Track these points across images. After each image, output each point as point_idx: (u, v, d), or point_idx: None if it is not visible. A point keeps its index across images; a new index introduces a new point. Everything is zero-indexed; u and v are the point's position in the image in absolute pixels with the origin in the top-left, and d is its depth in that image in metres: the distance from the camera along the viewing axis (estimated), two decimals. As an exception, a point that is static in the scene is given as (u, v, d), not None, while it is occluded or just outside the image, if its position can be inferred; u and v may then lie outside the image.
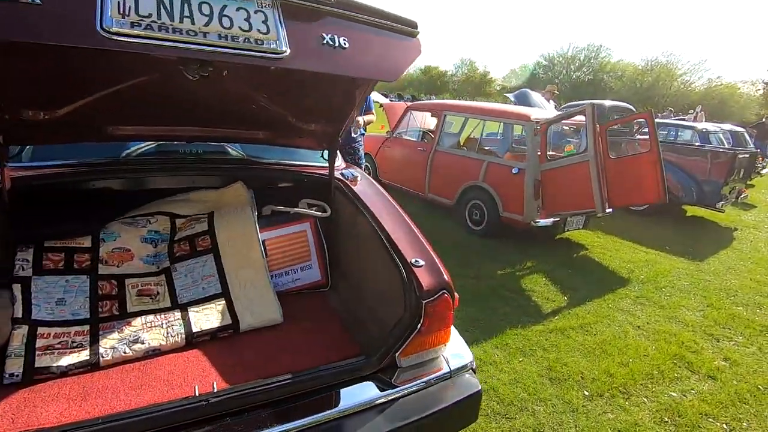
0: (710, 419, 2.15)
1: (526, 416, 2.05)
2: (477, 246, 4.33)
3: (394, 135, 5.98)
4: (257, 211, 1.95)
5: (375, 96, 27.44)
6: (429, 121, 5.98)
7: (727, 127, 10.21)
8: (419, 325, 1.33)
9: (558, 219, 4.23)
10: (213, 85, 1.34)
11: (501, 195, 4.37)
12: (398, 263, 1.44)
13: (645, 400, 2.24)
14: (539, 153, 4.12)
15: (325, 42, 1.06)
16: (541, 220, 4.14)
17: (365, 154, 6.60)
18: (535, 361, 2.48)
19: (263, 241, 1.80)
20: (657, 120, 10.20)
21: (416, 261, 1.43)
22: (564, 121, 4.64)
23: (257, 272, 1.68)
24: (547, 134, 5.44)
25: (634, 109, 7.06)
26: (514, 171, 4.26)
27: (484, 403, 2.09)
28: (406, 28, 1.20)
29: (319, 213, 1.94)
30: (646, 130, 8.97)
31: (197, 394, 1.15)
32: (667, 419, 2.12)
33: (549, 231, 4.42)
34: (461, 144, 5.47)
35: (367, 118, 4.01)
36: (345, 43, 1.08)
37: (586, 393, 2.25)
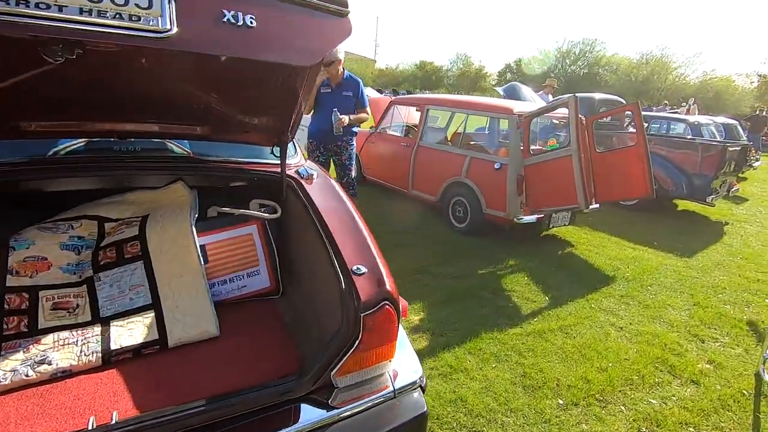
0: (691, 428, 2.03)
1: (494, 429, 1.92)
2: (460, 244, 4.20)
3: (378, 131, 5.83)
4: (203, 213, 1.80)
5: (368, 91, 27.06)
6: (414, 116, 5.84)
7: (720, 119, 10.10)
8: (357, 342, 1.19)
9: (542, 215, 4.10)
10: (125, 75, 1.19)
11: (483, 191, 4.23)
12: (338, 270, 1.30)
13: (623, 408, 2.12)
14: (522, 147, 3.98)
15: (226, 19, 0.91)
16: (525, 217, 4.01)
17: (350, 150, 6.49)
18: (509, 367, 2.35)
19: (203, 246, 1.66)
20: (649, 113, 10.09)
21: (358, 269, 1.29)
22: (552, 115, 4.50)
23: (193, 280, 1.54)
24: (531, 128, 5.34)
25: (624, 102, 6.92)
26: (496, 166, 4.12)
27: (450, 415, 1.96)
28: (333, 6, 1.05)
29: (267, 215, 1.79)
30: (637, 123, 8.84)
31: (92, 428, 1.01)
32: (645, 429, 2.00)
33: (534, 228, 4.30)
34: (448, 139, 5.31)
35: (356, 116, 3.83)
36: (251, 22, 0.93)
37: (561, 402, 2.12)
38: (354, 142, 4.06)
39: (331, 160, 4.05)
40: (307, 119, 5.18)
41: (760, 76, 27.59)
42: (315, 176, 1.94)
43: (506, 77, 49.67)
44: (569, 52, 48.07)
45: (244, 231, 1.75)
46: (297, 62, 1.02)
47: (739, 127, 9.93)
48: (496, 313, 2.91)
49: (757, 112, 14.43)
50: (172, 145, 1.91)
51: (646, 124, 8.99)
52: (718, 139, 8.42)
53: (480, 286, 3.31)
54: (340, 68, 3.83)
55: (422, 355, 2.38)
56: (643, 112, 10.86)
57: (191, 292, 1.53)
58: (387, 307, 1.23)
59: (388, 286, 1.26)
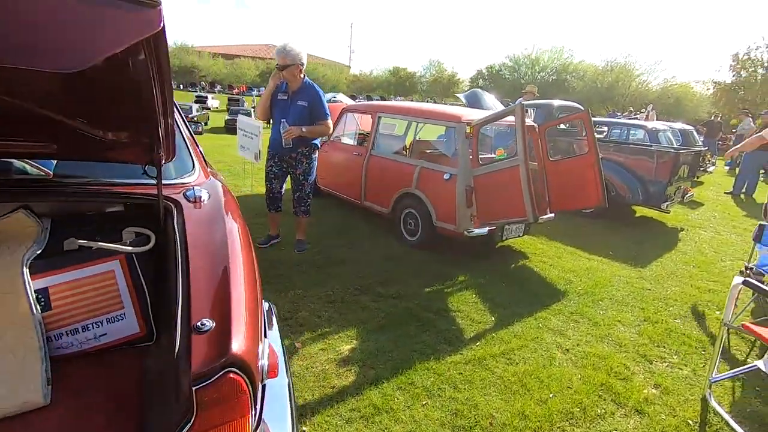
0: (632, 469, 1.85)
1: (413, 485, 1.69)
2: (409, 259, 3.98)
3: (332, 139, 5.58)
4: (60, 247, 1.51)
5: (341, 97, 26.62)
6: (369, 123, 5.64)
7: (678, 125, 10.33)
8: (188, 424, 0.92)
9: (494, 227, 3.93)
10: None
11: (434, 203, 4.04)
12: (177, 324, 1.04)
13: (560, 448, 1.92)
14: (471, 157, 3.81)
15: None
16: (476, 230, 3.82)
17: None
18: (441, 404, 2.13)
19: (45, 289, 1.36)
20: (609, 120, 10.18)
21: (202, 324, 1.03)
22: (510, 123, 4.35)
23: (19, 335, 1.24)
24: (489, 136, 5.20)
25: (582, 109, 6.91)
26: (445, 177, 3.93)
27: (363, 470, 1.71)
28: (131, -7, 0.80)
29: (130, 248, 1.51)
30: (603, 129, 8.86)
31: None
32: (582, 474, 1.81)
33: (488, 239, 4.13)
34: (405, 147, 5.09)
35: (311, 127, 3.55)
36: None
37: (493, 445, 1.91)
38: (314, 156, 3.80)
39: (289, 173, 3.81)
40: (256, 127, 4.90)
41: (715, 83, 28.79)
42: (205, 199, 1.67)
43: (478, 83, 50.40)
44: (538, 59, 49.26)
45: (102, 268, 1.46)
46: (63, 67, 0.76)
47: (695, 133, 10.18)
48: (436, 339, 2.69)
49: (713, 118, 14.94)
50: (25, 165, 1.60)
51: (605, 130, 9.12)
52: (675, 145, 8.58)
53: (424, 306, 3.10)
54: (299, 74, 3.56)
55: (345, 394, 2.13)
56: (605, 119, 10.94)
57: (18, 350, 1.23)
58: (232, 375, 0.97)
59: (237, 347, 1.01)
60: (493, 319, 3.00)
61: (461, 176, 3.82)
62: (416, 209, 4.21)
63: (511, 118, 3.84)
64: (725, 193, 9.04)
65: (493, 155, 4.54)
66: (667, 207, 5.60)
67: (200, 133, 18.08)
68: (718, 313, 3.36)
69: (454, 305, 3.17)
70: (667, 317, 3.23)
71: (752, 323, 2.15)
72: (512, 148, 3.87)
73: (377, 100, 51.24)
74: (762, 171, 10.17)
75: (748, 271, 3.04)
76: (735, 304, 2.16)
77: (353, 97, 45.47)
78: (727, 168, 13.07)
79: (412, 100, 54.83)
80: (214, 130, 17.66)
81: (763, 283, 3.09)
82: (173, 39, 56.07)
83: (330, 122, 3.64)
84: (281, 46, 3.49)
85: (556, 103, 6.91)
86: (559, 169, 4.32)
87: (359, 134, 5.65)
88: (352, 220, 5.01)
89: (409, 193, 4.27)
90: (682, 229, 5.90)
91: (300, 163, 3.69)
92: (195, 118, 17.68)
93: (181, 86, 48.67)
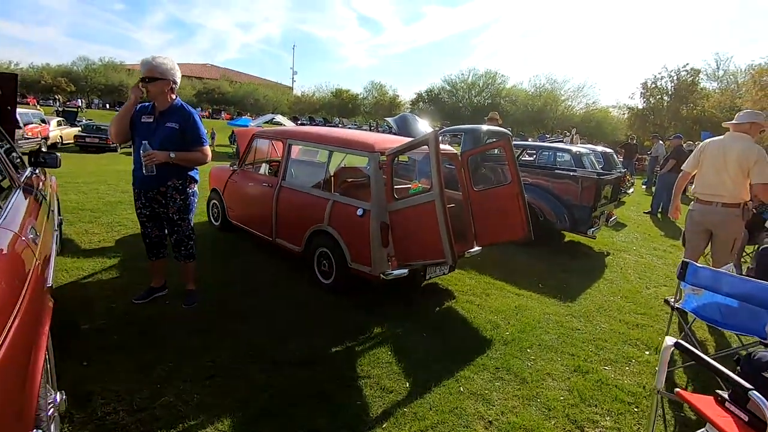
0: None
1: None
2: (320, 308, 3.45)
3: (243, 167, 4.99)
4: None
5: (281, 119, 25.86)
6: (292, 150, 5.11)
7: (599, 148, 10.84)
8: None
9: (415, 267, 3.53)
10: None
11: (347, 242, 3.57)
12: None
13: None
14: (386, 190, 3.40)
15: None
16: (394, 271, 3.39)
17: (212, 189, 5.52)
18: None
19: None
20: (539, 144, 10.41)
21: None
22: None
23: None
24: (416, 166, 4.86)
25: (510, 133, 6.88)
26: (359, 213, 3.49)
27: None
28: None
29: None
30: (528, 153, 8.90)
31: None
32: None
33: (412, 277, 3.70)
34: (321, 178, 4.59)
35: (184, 153, 2.96)
36: None
37: None
38: (192, 190, 3.19)
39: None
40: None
41: (629, 108, 31.63)
42: None
43: (419, 106, 51.72)
44: (474, 83, 51.68)
45: None
46: None
47: (615, 155, 10.72)
48: (334, 424, 2.17)
49: (630, 141, 16.06)
50: None
51: (534, 153, 9.28)
52: (598, 168, 8.89)
53: (328, 373, 2.57)
54: (170, 93, 2.99)
55: None
56: (534, 142, 11.11)
57: None
58: None
59: None
60: (407, 385, 2.53)
61: (375, 212, 3.40)
62: (330, 249, 3.71)
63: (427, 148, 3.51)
64: (644, 212, 9.47)
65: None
66: (593, 233, 5.56)
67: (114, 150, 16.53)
68: (647, 353, 3.15)
69: (364, 368, 2.67)
70: (598, 364, 2.95)
71: (685, 392, 1.86)
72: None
73: (320, 121, 50.96)
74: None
75: (674, 312, 2.84)
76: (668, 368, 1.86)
77: (295, 119, 44.84)
78: (644, 187, 13.98)
79: (355, 122, 55.12)
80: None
81: (688, 324, 2.92)
82: (98, 56, 52.39)
83: (207, 149, 3.08)
84: (149, 58, 2.92)
85: (485, 127, 6.82)
86: (484, 199, 4.05)
87: (271, 162, 5.11)
88: (262, 261, 4.41)
89: (321, 230, 3.77)
90: (608, 254, 5.91)
91: (172, 200, 3.07)
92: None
93: (107, 105, 45.26)
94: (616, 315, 3.81)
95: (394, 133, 8.10)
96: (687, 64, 29.28)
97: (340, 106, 57.57)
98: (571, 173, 6.11)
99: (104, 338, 2.74)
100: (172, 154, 2.92)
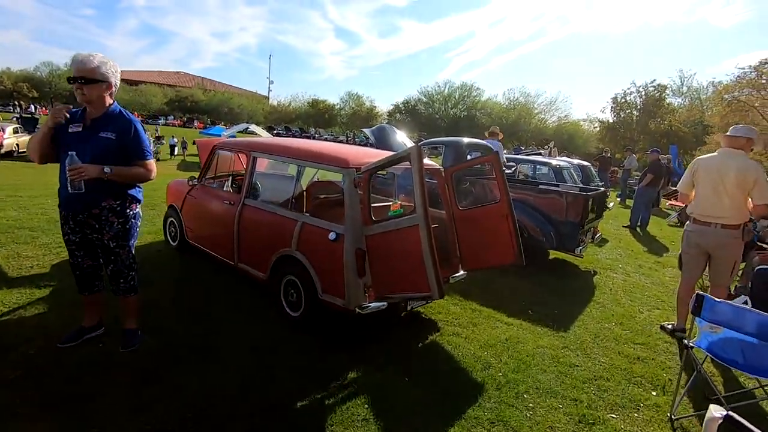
0: None
1: None
2: (285, 348, 2.98)
3: (203, 182, 4.49)
4: None
5: (255, 128, 25.05)
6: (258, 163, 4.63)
7: (576, 161, 10.80)
8: None
9: (395, 300, 3.11)
10: None
11: (318, 269, 3.13)
12: None
13: None
14: (363, 211, 2.99)
15: None
16: (371, 304, 2.96)
17: (170, 206, 4.97)
18: None
19: None
20: (518, 156, 10.23)
21: None
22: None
23: None
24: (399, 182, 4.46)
25: (492, 148, 6.62)
26: (331, 236, 3.06)
27: None
28: None
29: None
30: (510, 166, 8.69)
31: None
32: None
33: (391, 307, 3.28)
34: (288, 196, 4.11)
35: (120, 169, 2.47)
36: None
37: None
38: (133, 212, 2.69)
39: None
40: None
41: (600, 122, 32.46)
42: None
43: (395, 117, 51.78)
44: (450, 95, 52.21)
45: None
46: None
47: (592, 168, 10.69)
48: None
49: (604, 153, 16.26)
50: None
51: (513, 166, 9.07)
52: (578, 180, 8.76)
53: (290, 438, 2.11)
54: (108, 97, 2.52)
55: None
56: (514, 155, 10.81)
57: None
58: None
59: None
60: (387, 451, 2.10)
61: (350, 236, 2.97)
62: (298, 277, 3.26)
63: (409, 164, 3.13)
64: (623, 226, 9.39)
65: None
66: (580, 252, 5.30)
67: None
68: (654, 394, 2.82)
69: (335, 428, 2.22)
70: (604, 411, 2.59)
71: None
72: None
73: (296, 132, 50.17)
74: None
75: (687, 350, 2.52)
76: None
77: (270, 129, 44.01)
78: (619, 200, 14.07)
79: (331, 132, 54.64)
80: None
81: (701, 363, 2.60)
82: (64, 62, 50.22)
83: (152, 164, 2.60)
84: (86, 55, 2.44)
85: (466, 140, 6.52)
86: (470, 219, 3.69)
87: (235, 177, 4.62)
88: (222, 290, 3.90)
89: (289, 255, 3.32)
90: (594, 273, 5.66)
91: (108, 224, 2.57)
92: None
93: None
94: (614, 346, 3.49)
95: (371, 145, 7.72)
96: (654, 80, 30.28)
97: (317, 117, 57.06)
98: (556, 188, 5.86)
99: (14, 395, 2.20)
100: (107, 169, 2.43)
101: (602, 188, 7.10)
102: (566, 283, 5.13)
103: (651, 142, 26.48)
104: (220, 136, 21.51)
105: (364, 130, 8.13)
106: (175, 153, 19.53)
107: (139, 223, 2.78)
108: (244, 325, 3.25)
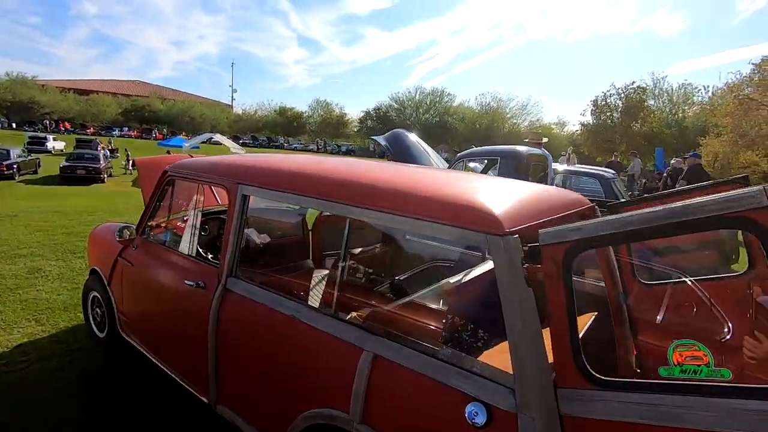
0: None
1: None
2: None
3: (147, 235, 2.52)
4: None
5: (220, 138, 22.37)
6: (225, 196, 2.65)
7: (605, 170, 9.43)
8: None
9: None
10: None
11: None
12: None
13: None
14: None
15: None
16: None
17: (92, 270, 2.97)
18: None
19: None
20: (574, 168, 8.55)
21: None
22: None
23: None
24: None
25: (548, 157, 4.98)
26: (472, 414, 1.20)
27: None
28: None
29: None
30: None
31: None
32: None
33: None
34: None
35: None
36: None
37: None
38: None
39: None
40: None
41: (582, 125, 31.96)
42: None
43: (367, 124, 49.99)
44: (422, 101, 51.04)
45: None
46: None
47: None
48: None
49: (614, 158, 15.24)
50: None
51: (560, 178, 7.50)
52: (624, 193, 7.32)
53: None
54: None
55: None
56: (568, 166, 8.87)
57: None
58: None
59: None
60: None
61: (523, 398, 1.13)
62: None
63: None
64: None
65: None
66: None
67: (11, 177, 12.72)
68: None
69: None
70: None
71: None
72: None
73: (263, 141, 47.33)
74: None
75: None
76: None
77: (236, 138, 40.99)
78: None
79: (300, 141, 52.20)
80: (46, 180, 13.07)
81: None
82: (4, 70, 45.41)
83: None
84: None
85: (523, 148, 4.83)
86: (665, 303, 1.94)
87: (204, 223, 2.66)
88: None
89: (339, 428, 1.43)
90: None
91: None
92: (15, 165, 12.59)
93: (14, 125, 38.72)
94: None
95: (386, 155, 5.93)
96: (634, 82, 30.02)
97: (285, 125, 54.49)
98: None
99: None
100: None
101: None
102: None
103: (633, 145, 26.03)
104: (181, 147, 18.87)
105: (374, 137, 6.34)
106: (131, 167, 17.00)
107: None
108: None
